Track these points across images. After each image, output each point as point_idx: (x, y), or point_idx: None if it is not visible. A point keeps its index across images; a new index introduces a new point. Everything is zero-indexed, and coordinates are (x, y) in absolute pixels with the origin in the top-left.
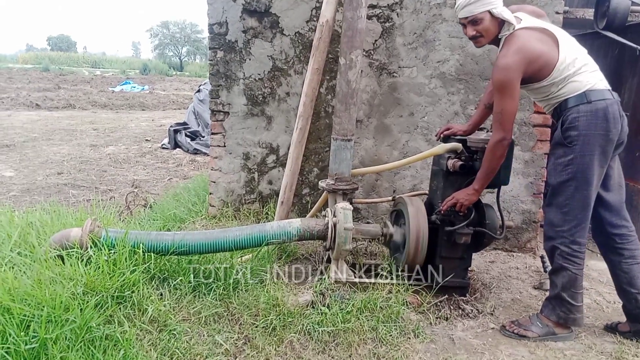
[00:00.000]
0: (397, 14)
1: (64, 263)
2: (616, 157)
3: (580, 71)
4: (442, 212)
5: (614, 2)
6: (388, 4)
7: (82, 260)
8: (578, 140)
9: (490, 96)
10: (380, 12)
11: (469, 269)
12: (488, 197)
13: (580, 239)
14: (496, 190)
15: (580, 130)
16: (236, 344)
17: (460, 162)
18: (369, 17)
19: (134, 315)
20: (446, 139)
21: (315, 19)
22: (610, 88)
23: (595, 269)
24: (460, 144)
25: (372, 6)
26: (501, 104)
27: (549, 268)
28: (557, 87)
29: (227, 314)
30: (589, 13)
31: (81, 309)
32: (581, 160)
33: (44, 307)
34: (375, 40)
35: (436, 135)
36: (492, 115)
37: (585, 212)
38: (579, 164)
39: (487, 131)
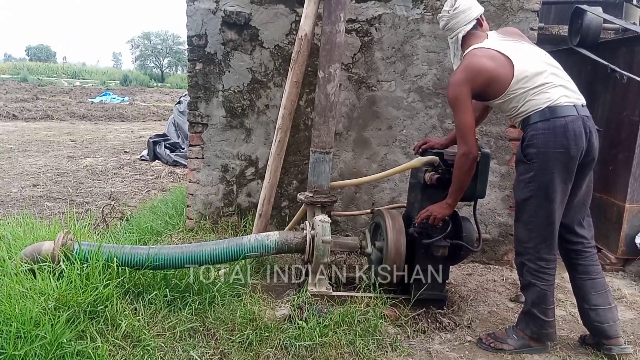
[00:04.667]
0: (376, 29)
1: (35, 277)
2: (589, 175)
3: (542, 87)
4: (417, 224)
5: (586, 19)
6: (367, 19)
7: (54, 274)
8: (537, 158)
9: None
10: (359, 27)
11: (447, 281)
12: (465, 210)
13: (547, 255)
14: (473, 203)
15: (538, 147)
16: (212, 359)
17: (437, 175)
18: (348, 32)
19: (107, 330)
20: (424, 153)
21: (294, 33)
22: (576, 104)
23: (570, 281)
24: (437, 158)
25: (351, 20)
26: (458, 119)
27: None
28: (518, 104)
29: (202, 329)
30: (563, 29)
31: (52, 325)
32: (542, 177)
33: (12, 322)
34: (354, 54)
35: (414, 149)
36: None
37: (549, 228)
38: (540, 181)
39: None
